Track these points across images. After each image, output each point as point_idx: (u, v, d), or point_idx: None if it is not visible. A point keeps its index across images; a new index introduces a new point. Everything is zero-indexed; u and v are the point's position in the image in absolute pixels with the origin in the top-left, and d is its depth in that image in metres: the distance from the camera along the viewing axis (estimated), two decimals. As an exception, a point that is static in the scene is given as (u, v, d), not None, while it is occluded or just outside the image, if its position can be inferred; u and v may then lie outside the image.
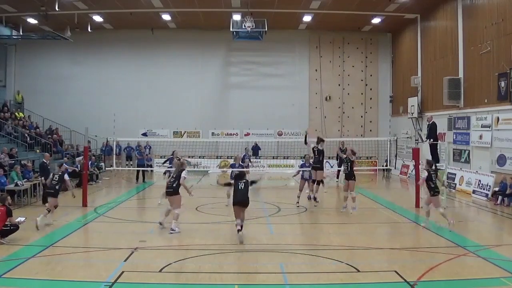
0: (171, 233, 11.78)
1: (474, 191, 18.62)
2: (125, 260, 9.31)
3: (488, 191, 17.64)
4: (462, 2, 20.92)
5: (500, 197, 16.58)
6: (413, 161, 17.27)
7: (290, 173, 26.69)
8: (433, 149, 17.74)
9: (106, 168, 25.59)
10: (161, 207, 13.35)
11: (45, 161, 16.68)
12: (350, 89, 30.33)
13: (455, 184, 20.27)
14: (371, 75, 30.46)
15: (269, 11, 24.47)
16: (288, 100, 29.91)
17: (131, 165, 27.31)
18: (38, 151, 23.18)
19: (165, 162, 16.92)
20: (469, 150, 20.33)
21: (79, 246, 10.69)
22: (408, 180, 24.25)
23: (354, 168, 14.70)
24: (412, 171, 21.62)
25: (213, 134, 29.70)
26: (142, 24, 27.91)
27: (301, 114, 30.12)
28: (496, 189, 16.96)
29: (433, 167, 12.69)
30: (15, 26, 26.72)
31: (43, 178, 16.26)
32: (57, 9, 22.31)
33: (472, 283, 8.28)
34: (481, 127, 19.25)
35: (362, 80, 30.40)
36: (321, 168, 15.10)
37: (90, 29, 26.79)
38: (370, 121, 30.50)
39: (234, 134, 29.65)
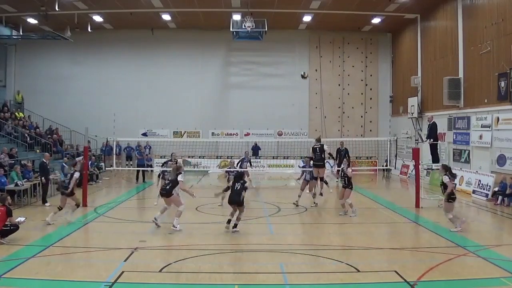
0: (172, 229, 11.79)
1: (474, 191, 18.61)
2: (125, 260, 9.31)
3: (488, 191, 17.64)
4: (462, 2, 20.92)
5: (500, 197, 16.58)
6: (413, 161, 17.25)
7: (290, 173, 26.74)
8: (433, 149, 17.73)
9: (106, 168, 25.58)
10: (159, 207, 13.34)
11: (45, 160, 16.68)
12: (350, 89, 30.33)
13: (455, 184, 20.22)
14: (371, 75, 30.46)
15: (269, 11, 24.47)
16: (288, 100, 29.91)
17: (131, 165, 27.31)
18: (38, 151, 23.18)
19: (164, 164, 17.03)
20: (469, 150, 20.33)
21: (79, 246, 10.69)
22: (408, 180, 24.26)
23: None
24: (412, 171, 21.61)
25: (213, 134, 29.70)
26: (142, 24, 27.91)
27: (301, 114, 30.13)
28: (496, 189, 16.96)
29: (449, 172, 12.43)
30: (15, 26, 26.73)
31: (43, 177, 16.26)
32: (57, 9, 22.31)
33: (472, 283, 8.28)
34: (481, 127, 19.24)
35: (362, 80, 30.40)
36: (323, 166, 15.10)
37: (90, 29, 26.79)
38: (370, 121, 30.51)
39: (234, 134, 29.66)
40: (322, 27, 28.86)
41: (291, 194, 18.90)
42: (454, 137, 21.41)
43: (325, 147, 15.86)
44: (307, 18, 26.88)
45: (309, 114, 30.28)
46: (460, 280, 8.37)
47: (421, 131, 22.85)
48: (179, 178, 12.24)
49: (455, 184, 12.30)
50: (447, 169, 12.49)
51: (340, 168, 16.96)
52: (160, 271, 8.74)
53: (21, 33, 26.95)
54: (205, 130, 29.73)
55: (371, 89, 30.48)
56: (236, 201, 11.83)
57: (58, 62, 29.62)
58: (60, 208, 13.03)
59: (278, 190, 21.42)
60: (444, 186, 12.24)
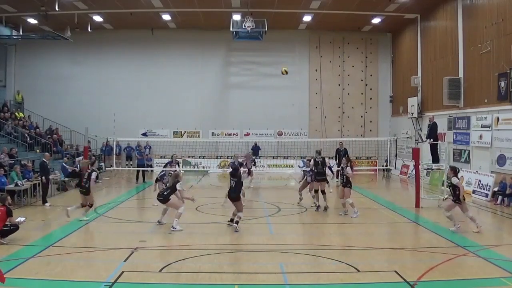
0: (172, 231, 11.82)
1: (474, 191, 18.61)
2: (125, 260, 9.31)
3: (488, 191, 17.64)
4: (462, 2, 20.92)
5: (500, 197, 16.58)
6: (413, 161, 17.26)
7: (290, 173, 26.75)
8: (433, 149, 17.74)
9: (106, 168, 25.59)
10: (159, 207, 13.36)
11: (45, 160, 16.69)
12: (350, 89, 30.33)
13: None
14: (371, 75, 30.47)
15: (269, 11, 24.48)
16: (288, 100, 29.92)
17: (131, 165, 27.31)
18: (38, 151, 23.19)
19: (165, 166, 17.23)
20: (469, 150, 20.34)
21: (79, 246, 10.67)
22: (408, 180, 24.26)
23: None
24: (412, 171, 21.61)
25: (213, 134, 29.70)
26: (142, 24, 27.91)
27: (301, 114, 30.14)
28: (496, 189, 16.96)
29: (458, 173, 12.35)
30: (15, 26, 26.73)
31: (43, 177, 16.26)
32: (57, 9, 22.32)
33: (472, 283, 8.28)
34: (481, 127, 19.25)
35: (362, 80, 30.40)
36: (325, 180, 15.12)
37: (90, 29, 26.80)
38: (370, 121, 30.51)
39: (234, 134, 29.66)
40: (322, 27, 28.86)
41: (291, 194, 18.92)
42: (454, 137, 21.41)
43: (326, 160, 15.89)
44: (307, 18, 26.88)
45: (309, 114, 30.28)
46: (460, 280, 8.36)
47: (421, 131, 22.87)
48: (178, 187, 12.36)
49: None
50: (455, 172, 12.31)
51: (339, 168, 16.94)
52: (160, 271, 8.74)
53: (21, 33, 26.95)
54: (205, 130, 29.74)
55: (371, 89, 30.49)
56: (232, 197, 12.34)
57: (58, 62, 29.63)
58: (82, 205, 13.49)
59: (278, 190, 21.42)
60: (453, 187, 12.10)
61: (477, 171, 19.08)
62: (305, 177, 16.12)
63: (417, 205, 15.81)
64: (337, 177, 23.43)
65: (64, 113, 28.58)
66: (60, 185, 19.58)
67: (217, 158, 28.45)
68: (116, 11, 25.02)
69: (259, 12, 23.79)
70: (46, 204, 15.95)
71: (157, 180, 15.78)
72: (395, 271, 8.61)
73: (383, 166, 26.37)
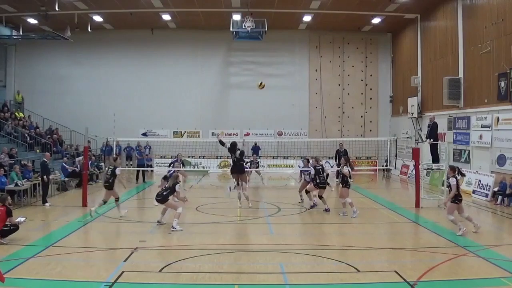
0: (172, 231, 11.82)
1: (474, 191, 18.61)
2: (125, 260, 9.31)
3: (488, 191, 17.64)
4: (462, 2, 20.92)
5: (500, 197, 16.58)
6: (413, 161, 17.25)
7: (290, 173, 26.74)
8: (433, 149, 17.72)
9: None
10: (159, 207, 13.37)
11: (45, 160, 16.69)
12: (350, 89, 30.33)
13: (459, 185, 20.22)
14: (371, 75, 30.46)
15: (269, 11, 24.48)
16: (288, 100, 29.92)
17: (131, 165, 27.30)
18: (38, 151, 23.19)
19: (170, 164, 17.67)
20: (469, 150, 20.34)
21: (79, 246, 10.68)
22: (408, 180, 24.26)
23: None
24: (412, 171, 21.61)
25: (213, 134, 29.67)
26: (142, 24, 27.92)
27: (301, 114, 30.13)
28: (496, 189, 16.96)
29: (457, 172, 12.14)
30: (15, 26, 26.72)
31: (44, 176, 16.25)
32: (57, 9, 22.34)
33: (472, 283, 8.28)
34: (481, 127, 19.25)
35: (362, 80, 30.41)
36: (325, 187, 15.23)
37: (90, 29, 26.79)
38: (370, 121, 30.51)
39: (234, 134, 29.62)
40: (322, 27, 28.86)
41: (291, 194, 18.92)
42: (454, 137, 21.41)
43: (325, 167, 16.03)
44: (307, 18, 26.88)
45: (309, 114, 30.28)
46: (460, 280, 8.36)
47: (421, 131, 22.85)
48: (177, 188, 12.54)
49: (459, 185, 12.04)
50: (454, 171, 12.15)
51: (339, 168, 16.98)
52: (160, 271, 8.74)
53: (21, 33, 26.93)
54: (205, 130, 29.73)
55: (371, 89, 30.49)
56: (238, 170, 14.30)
57: (58, 62, 29.63)
58: (104, 202, 13.94)
59: (278, 190, 21.42)
60: (451, 187, 12.06)
61: (477, 171, 19.08)
62: (303, 177, 16.16)
63: (417, 205, 15.81)
64: (337, 177, 23.53)
65: (64, 113, 28.59)
66: (60, 185, 19.59)
67: (217, 158, 28.45)
68: (116, 11, 25.03)
69: (259, 12, 23.80)
70: (46, 204, 15.95)
71: (165, 178, 15.90)
72: (395, 271, 8.61)
73: (383, 166, 26.37)
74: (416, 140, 25.33)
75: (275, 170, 27.61)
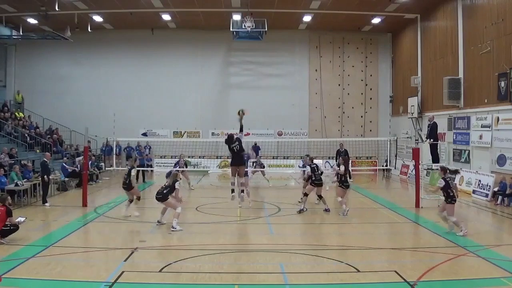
0: (172, 231, 11.83)
1: (474, 191, 18.61)
2: (125, 260, 9.32)
3: (488, 191, 17.64)
4: (462, 2, 20.92)
5: (500, 197, 16.58)
6: (413, 161, 17.26)
7: (290, 173, 26.74)
8: (433, 149, 17.73)
9: (106, 168, 25.58)
10: (159, 208, 13.39)
11: (46, 160, 16.70)
12: (350, 89, 30.32)
13: (455, 184, 20.21)
14: (371, 75, 30.46)
15: (269, 11, 24.48)
16: (288, 100, 29.91)
17: (131, 165, 27.25)
18: (38, 151, 23.20)
19: (175, 165, 17.96)
20: (469, 150, 20.33)
21: (79, 246, 10.68)
22: (408, 180, 24.26)
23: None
24: (412, 171, 21.62)
25: (213, 134, 29.70)
26: (142, 24, 27.91)
27: (301, 114, 30.12)
28: (496, 189, 16.96)
29: (448, 173, 12.18)
30: (15, 26, 26.72)
31: (45, 176, 16.25)
32: (57, 9, 22.33)
33: (472, 283, 8.28)
34: (481, 127, 19.24)
35: (362, 80, 30.40)
36: (321, 184, 15.22)
37: (90, 29, 26.78)
38: (370, 121, 30.51)
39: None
40: (322, 27, 28.85)
41: (291, 194, 18.93)
42: (454, 137, 21.41)
43: (320, 165, 16.07)
44: (307, 18, 26.87)
45: (309, 114, 30.27)
46: (460, 280, 8.37)
47: (421, 131, 22.85)
48: (177, 185, 12.62)
49: (455, 183, 12.04)
50: (445, 172, 12.21)
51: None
52: (160, 271, 8.74)
53: (21, 33, 26.93)
54: (205, 130, 29.73)
55: (371, 89, 30.48)
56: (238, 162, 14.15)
57: (58, 62, 29.63)
58: (130, 201, 14.17)
59: (278, 190, 21.41)
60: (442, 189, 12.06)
61: (477, 171, 19.08)
62: (305, 173, 16.23)
63: (417, 205, 15.81)
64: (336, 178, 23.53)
65: (64, 113, 28.58)
66: (60, 185, 19.59)
67: (217, 158, 28.45)
68: (116, 11, 25.02)
69: (259, 12, 23.79)
70: (46, 204, 15.95)
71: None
72: (395, 271, 8.61)
73: (383, 166, 26.34)
74: (416, 140, 25.30)
75: (275, 170, 27.57)
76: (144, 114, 29.54)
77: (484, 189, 18.00)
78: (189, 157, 26.98)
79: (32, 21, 25.59)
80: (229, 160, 16.33)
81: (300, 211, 14.77)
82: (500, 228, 13.73)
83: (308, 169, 15.32)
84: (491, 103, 18.54)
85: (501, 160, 17.76)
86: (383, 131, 30.01)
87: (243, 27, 23.22)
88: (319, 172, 15.17)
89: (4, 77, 29.25)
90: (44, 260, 9.27)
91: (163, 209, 12.86)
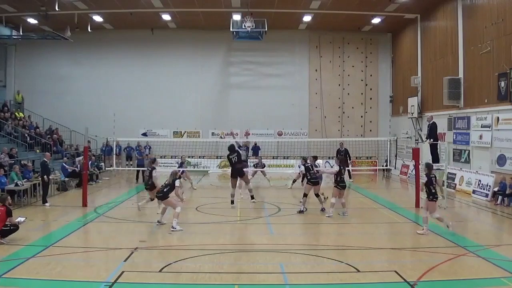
0: (172, 231, 11.84)
1: (474, 191, 18.61)
2: (125, 260, 9.31)
3: (488, 191, 17.64)
4: (462, 2, 20.92)
5: (500, 197, 16.58)
6: (413, 161, 17.26)
7: (290, 173, 26.71)
8: (433, 149, 17.73)
9: (106, 168, 25.58)
10: (161, 206, 13.41)
11: (46, 160, 16.70)
12: (350, 89, 30.32)
13: (455, 184, 20.27)
14: (371, 75, 30.46)
15: (269, 11, 24.48)
16: (288, 100, 29.91)
17: (131, 165, 27.30)
18: (38, 151, 23.20)
19: (180, 165, 18.18)
20: (469, 150, 20.34)
21: (79, 246, 10.69)
22: (408, 180, 24.26)
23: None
24: (412, 171, 21.62)
25: (213, 134, 29.70)
26: (142, 24, 27.91)
27: (301, 114, 30.12)
28: (496, 189, 16.96)
29: (433, 171, 12.31)
30: (15, 26, 26.72)
31: (45, 176, 16.25)
32: (57, 9, 22.33)
33: (472, 283, 8.28)
34: (481, 127, 19.24)
35: (362, 80, 30.40)
36: (318, 183, 15.20)
37: (90, 29, 26.78)
38: (370, 121, 30.50)
39: (234, 134, 29.57)
40: (322, 27, 28.85)
41: (291, 194, 18.94)
42: (454, 137, 21.41)
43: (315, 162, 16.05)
44: (307, 18, 26.87)
45: (309, 114, 30.27)
46: (460, 280, 8.37)
47: (421, 131, 22.85)
48: (177, 183, 12.75)
49: (434, 180, 12.07)
50: (430, 169, 12.26)
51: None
52: (160, 271, 8.74)
53: (21, 33, 26.93)
54: (205, 130, 29.74)
55: (371, 89, 30.48)
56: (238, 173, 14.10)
57: (58, 62, 29.63)
58: (151, 199, 14.42)
59: (278, 190, 21.41)
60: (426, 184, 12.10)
61: (477, 171, 19.08)
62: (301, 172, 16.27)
63: (417, 205, 15.81)
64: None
65: (64, 113, 28.59)
66: (60, 185, 19.59)
67: (217, 158, 28.45)
68: (116, 11, 25.02)
69: (259, 12, 23.78)
70: (46, 204, 15.95)
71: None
72: (395, 271, 8.61)
73: (383, 166, 26.36)
74: (416, 140, 25.31)
75: (275, 170, 27.57)
76: (144, 114, 29.55)
77: (484, 189, 18.00)
78: (189, 157, 27.04)
79: (32, 21, 25.59)
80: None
81: (300, 211, 14.77)
82: (500, 228, 13.72)
83: (302, 168, 15.35)
84: (491, 103, 18.54)
85: (501, 160, 17.76)
86: (383, 131, 30.01)
87: (243, 27, 23.21)
88: (314, 170, 15.15)
89: (4, 77, 29.25)
90: (44, 260, 9.27)
91: (163, 209, 12.90)
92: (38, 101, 28.78)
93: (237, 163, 14.24)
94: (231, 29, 23.75)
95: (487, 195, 17.64)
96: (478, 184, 18.49)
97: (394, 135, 27.72)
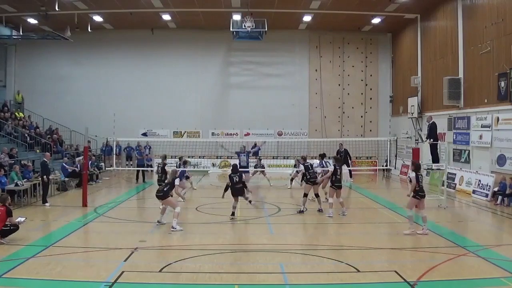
0: (172, 231, 11.84)
1: (474, 191, 18.61)
2: (125, 260, 9.32)
3: (488, 191, 17.63)
4: (462, 2, 20.92)
5: (500, 197, 16.58)
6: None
7: (290, 173, 26.69)
8: (433, 149, 17.72)
9: (106, 168, 25.59)
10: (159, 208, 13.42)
11: (46, 160, 16.70)
12: (350, 89, 30.31)
13: (455, 184, 20.27)
14: (371, 75, 30.45)
15: (269, 11, 24.47)
16: (288, 100, 29.91)
17: (131, 165, 27.31)
18: (38, 151, 23.20)
19: (184, 166, 18.26)
20: (469, 150, 20.33)
21: (79, 246, 10.69)
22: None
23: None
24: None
25: (213, 134, 29.70)
26: (142, 24, 27.91)
27: (301, 114, 30.12)
28: (496, 189, 16.96)
29: (421, 171, 12.28)
30: (15, 26, 26.73)
31: (44, 176, 16.25)
32: (57, 9, 22.33)
33: (472, 283, 8.28)
34: (481, 127, 19.24)
35: (362, 80, 30.39)
36: (317, 183, 15.18)
37: (90, 29, 26.78)
38: (370, 121, 30.50)
39: (234, 134, 29.65)
40: (322, 27, 28.85)
41: (291, 194, 18.94)
42: (454, 137, 21.41)
43: (314, 163, 16.05)
44: (307, 18, 26.87)
45: (309, 114, 30.26)
46: (460, 280, 8.37)
47: (421, 131, 22.86)
48: (176, 182, 12.83)
49: (420, 178, 12.04)
50: (418, 169, 12.24)
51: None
52: (160, 271, 8.74)
53: (21, 33, 26.94)
54: (205, 130, 29.74)
55: (371, 89, 30.48)
56: (239, 194, 13.90)
57: (58, 62, 29.63)
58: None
59: (278, 190, 21.41)
60: (410, 181, 12.06)
61: (477, 171, 19.08)
62: (297, 173, 16.29)
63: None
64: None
65: (64, 113, 28.59)
66: (60, 185, 19.59)
67: (217, 158, 28.45)
68: (116, 11, 25.02)
69: (259, 12, 23.78)
70: (46, 204, 15.95)
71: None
72: (395, 271, 8.61)
73: (383, 166, 26.35)
74: (416, 140, 25.34)
75: (275, 170, 27.58)
76: (144, 114, 29.55)
77: (484, 189, 18.00)
78: (189, 157, 27.03)
79: (32, 21, 25.59)
80: (229, 160, 16.35)
81: (300, 212, 14.76)
82: (500, 228, 13.72)
83: (301, 167, 15.36)
84: (491, 103, 18.54)
85: (501, 160, 17.76)
86: (383, 131, 30.00)
87: (243, 27, 23.22)
88: (313, 170, 15.16)
89: (4, 77, 29.25)
90: (44, 260, 9.28)
91: (162, 209, 12.92)
92: (38, 101, 28.78)
93: (238, 182, 13.90)
94: (231, 29, 23.75)
95: (487, 195, 17.64)
96: (478, 184, 18.49)
97: (394, 135, 27.72)
